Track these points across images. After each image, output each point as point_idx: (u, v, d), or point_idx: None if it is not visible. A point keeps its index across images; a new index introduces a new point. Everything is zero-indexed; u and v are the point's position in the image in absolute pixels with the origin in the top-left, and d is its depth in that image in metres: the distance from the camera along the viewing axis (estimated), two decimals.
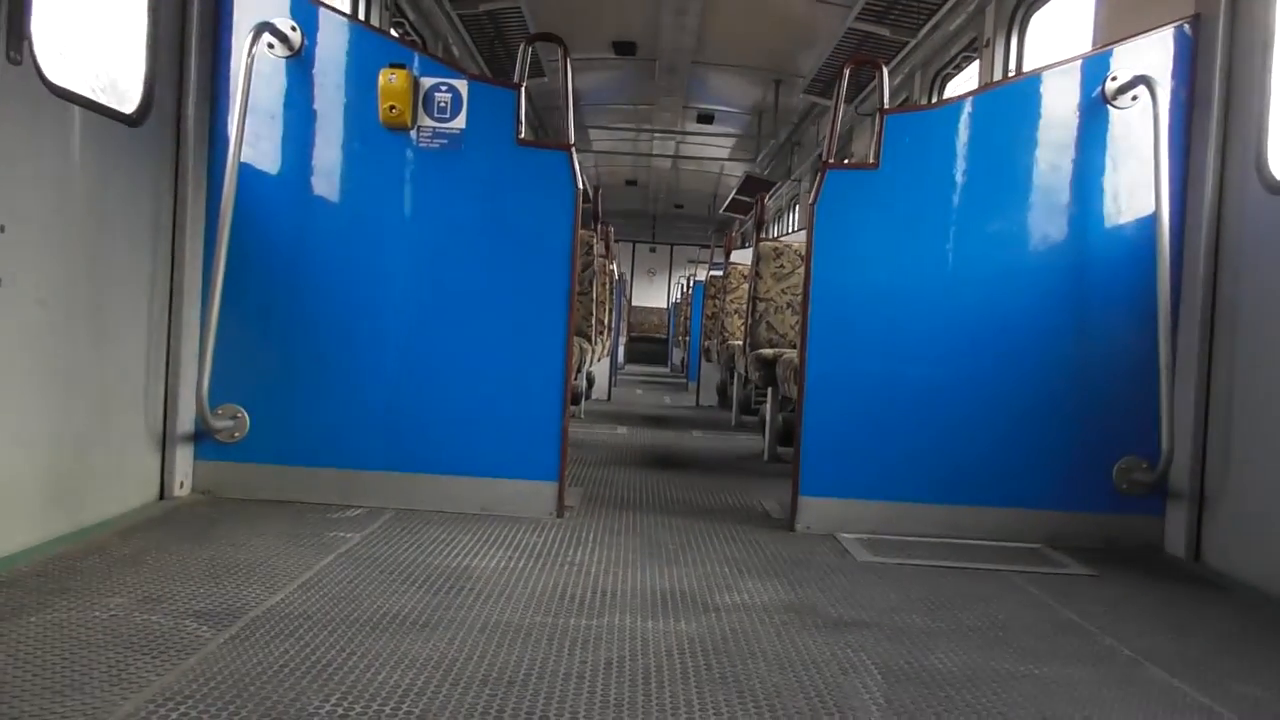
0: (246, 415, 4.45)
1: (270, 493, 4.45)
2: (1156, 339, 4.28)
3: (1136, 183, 4.50)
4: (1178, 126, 4.42)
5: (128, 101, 3.97)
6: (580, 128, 16.77)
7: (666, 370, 22.77)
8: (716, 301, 11.20)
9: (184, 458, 4.36)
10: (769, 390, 7.06)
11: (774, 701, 2.44)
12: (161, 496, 4.28)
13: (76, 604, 2.84)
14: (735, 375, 10.08)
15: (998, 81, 7.04)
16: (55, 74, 3.35)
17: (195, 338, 4.32)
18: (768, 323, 7.44)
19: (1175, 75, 4.44)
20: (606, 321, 10.17)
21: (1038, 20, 7.42)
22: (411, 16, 8.66)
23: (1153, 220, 4.36)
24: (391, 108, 4.37)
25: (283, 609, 2.93)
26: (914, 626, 3.14)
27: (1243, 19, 4.22)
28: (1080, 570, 4.05)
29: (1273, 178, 3.99)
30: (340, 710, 2.22)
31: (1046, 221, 4.55)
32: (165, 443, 4.27)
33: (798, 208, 16.97)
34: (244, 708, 2.20)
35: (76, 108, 3.53)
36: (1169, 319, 4.27)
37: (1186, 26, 4.43)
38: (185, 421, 4.33)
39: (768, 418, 7.28)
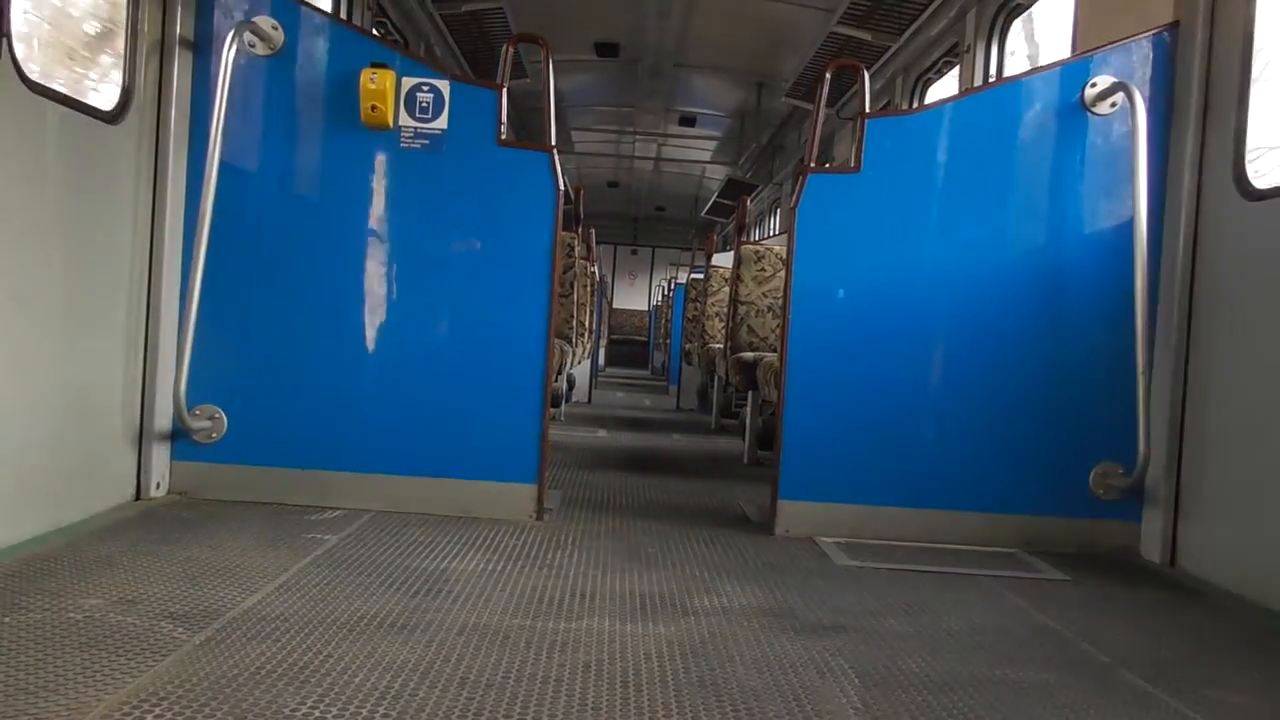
0: (224, 416, 4.43)
1: (248, 494, 4.42)
2: (1134, 344, 4.30)
3: (1115, 189, 4.52)
4: (1156, 133, 4.45)
5: (106, 98, 3.95)
6: (562, 129, 16.76)
7: (647, 373, 22.76)
8: (697, 304, 11.19)
9: (161, 458, 4.33)
10: (749, 393, 7.06)
11: (751, 705, 2.44)
12: (137, 497, 4.26)
13: (51, 604, 2.82)
14: (716, 378, 10.08)
15: (978, 87, 7.07)
16: (33, 70, 3.33)
17: (173, 337, 4.29)
18: (748, 326, 7.45)
19: (1154, 82, 4.47)
20: (587, 324, 10.16)
21: (1017, 27, 7.46)
22: (393, 16, 8.64)
23: (1130, 226, 4.38)
24: (373, 107, 4.36)
25: (259, 611, 2.92)
26: (891, 631, 3.15)
27: (1221, 27, 4.25)
28: (1056, 575, 4.07)
29: (1250, 184, 4.02)
30: (316, 713, 2.21)
31: (1026, 227, 4.57)
32: (142, 443, 4.25)
33: (779, 211, 17.00)
34: (219, 710, 2.19)
35: (54, 104, 3.51)
36: (1146, 324, 4.30)
37: (1165, 34, 4.46)
38: (162, 421, 4.31)
39: (748, 421, 7.29)
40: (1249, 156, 4.08)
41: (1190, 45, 4.35)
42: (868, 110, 4.66)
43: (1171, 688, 2.76)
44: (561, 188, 4.50)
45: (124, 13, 4.03)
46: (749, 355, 7.02)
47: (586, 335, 10.18)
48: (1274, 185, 3.90)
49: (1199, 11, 4.30)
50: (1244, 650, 3.22)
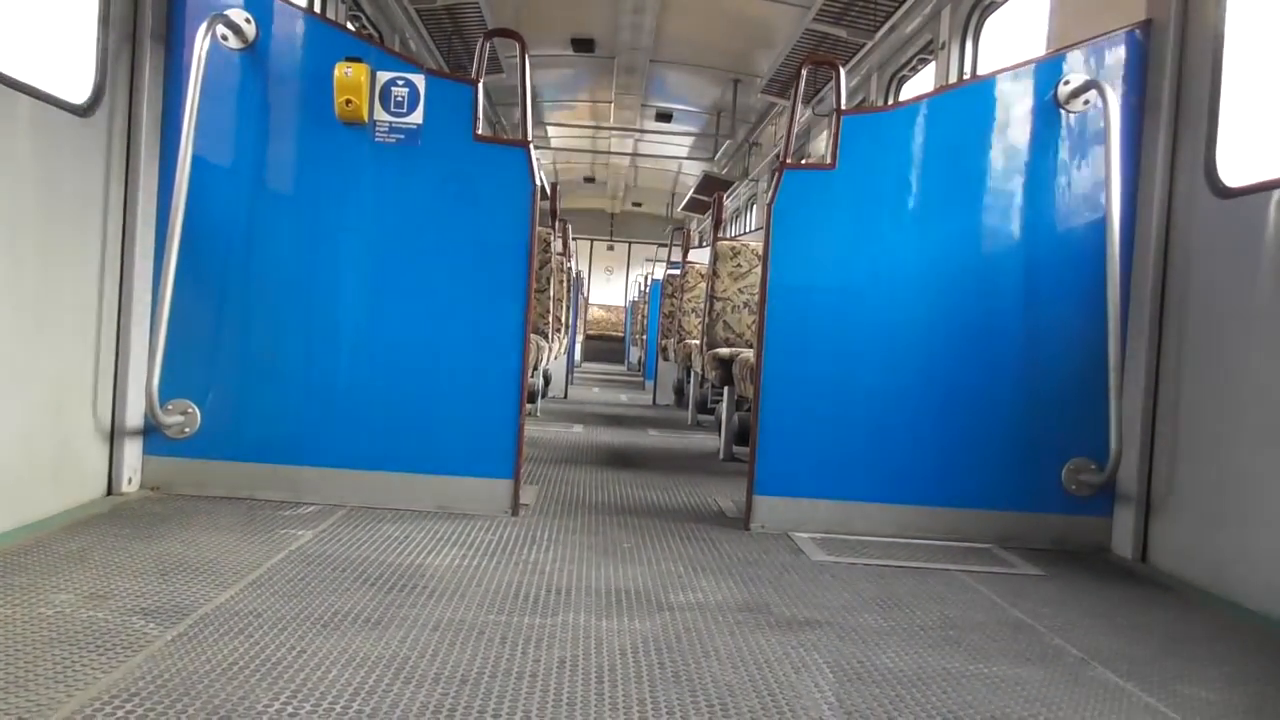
0: (197, 411, 4.40)
1: (221, 489, 4.40)
2: (1106, 341, 4.34)
3: (1088, 186, 4.55)
4: (1129, 130, 4.48)
5: (78, 91, 3.91)
6: (538, 124, 16.73)
7: (623, 369, 22.77)
8: (674, 300, 11.21)
9: (133, 453, 4.30)
10: (725, 389, 7.07)
11: (726, 700, 2.44)
12: (109, 492, 4.23)
13: (21, 600, 2.80)
14: (692, 374, 10.10)
15: (953, 84, 7.10)
16: (3, 62, 3.29)
17: (145, 332, 4.26)
18: (725, 322, 7.46)
19: (1127, 80, 4.50)
20: (563, 319, 10.16)
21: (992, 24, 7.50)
22: (368, 10, 8.60)
23: (1103, 223, 4.41)
24: (347, 101, 4.34)
25: (232, 607, 2.90)
26: (866, 626, 3.16)
27: (1193, 25, 4.27)
28: (1030, 570, 4.09)
29: (1221, 183, 4.05)
30: (289, 709, 2.20)
31: (999, 223, 4.59)
32: (114, 438, 4.22)
33: (755, 207, 17.02)
34: (191, 706, 2.17)
35: (25, 96, 3.47)
36: (1118, 321, 4.33)
37: (1138, 32, 4.48)
38: (134, 416, 4.27)
39: (724, 417, 7.30)
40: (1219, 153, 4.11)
41: (1163, 43, 4.38)
42: (843, 107, 4.67)
43: (1143, 682, 2.79)
44: (538, 183, 4.49)
45: (95, 3, 4.00)
46: (725, 351, 7.03)
47: (563, 331, 10.19)
48: (1245, 183, 3.93)
49: (1171, 10, 4.32)
50: (1215, 645, 3.24)
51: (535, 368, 7.93)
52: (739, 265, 7.53)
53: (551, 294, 8.43)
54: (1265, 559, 3.64)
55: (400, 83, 4.44)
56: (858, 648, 2.93)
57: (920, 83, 9.09)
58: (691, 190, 19.52)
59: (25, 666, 2.32)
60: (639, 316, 18.50)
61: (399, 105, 4.44)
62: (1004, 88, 4.59)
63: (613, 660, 2.68)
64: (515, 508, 4.49)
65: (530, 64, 4.91)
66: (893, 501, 4.58)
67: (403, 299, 4.49)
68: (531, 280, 4.48)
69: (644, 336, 16.36)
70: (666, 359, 12.28)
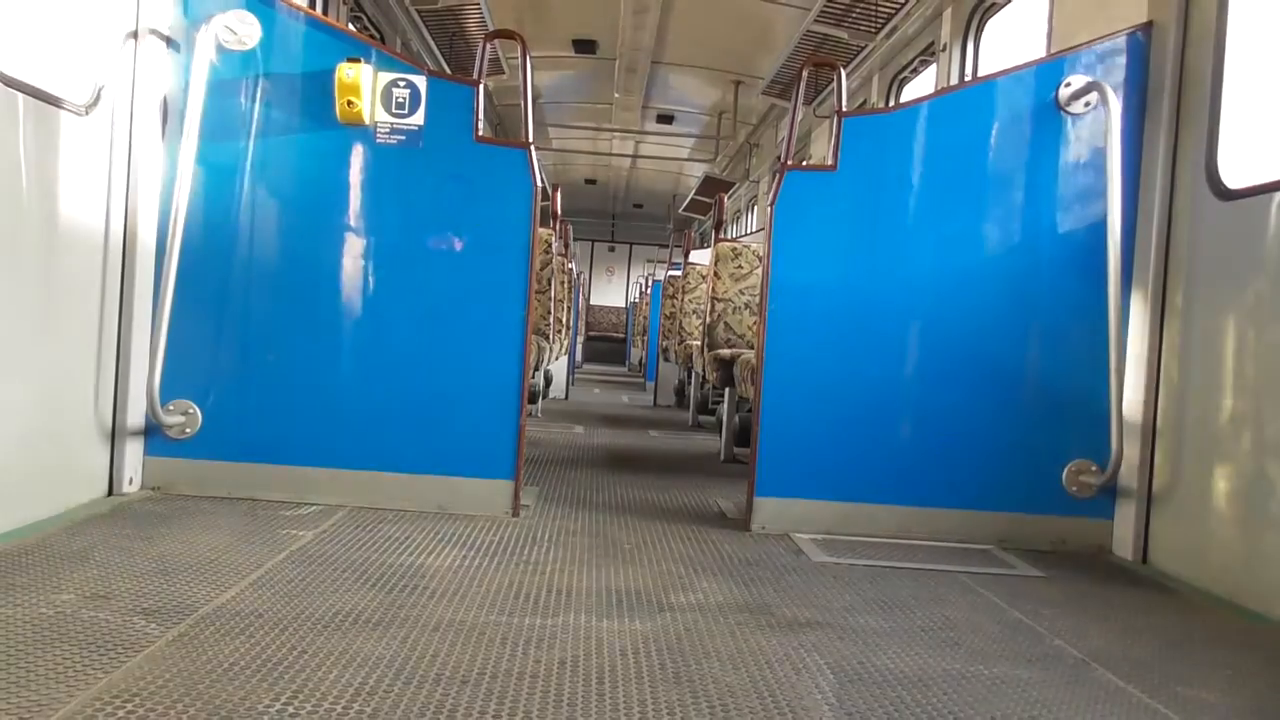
0: (199, 411, 4.40)
1: (222, 489, 4.40)
2: (1107, 342, 4.33)
3: (1089, 188, 4.55)
4: (1130, 132, 4.48)
5: (80, 91, 3.91)
6: (539, 126, 16.73)
7: (624, 370, 22.77)
8: (675, 301, 11.21)
9: (134, 454, 4.30)
10: (726, 390, 7.07)
11: (726, 701, 2.44)
12: (110, 493, 4.22)
13: (22, 600, 2.79)
14: (693, 375, 10.10)
15: (953, 86, 7.09)
16: (4, 62, 3.29)
17: (146, 332, 4.26)
18: (726, 323, 7.46)
19: (1128, 81, 4.50)
20: (564, 320, 10.17)
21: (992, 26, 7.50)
22: (369, 11, 8.61)
23: (1104, 225, 4.41)
24: (349, 103, 4.34)
25: (232, 607, 2.90)
26: (866, 627, 3.16)
27: (1194, 27, 4.27)
28: (1030, 572, 4.09)
29: (1222, 184, 4.05)
30: (290, 709, 2.20)
31: (1000, 225, 4.59)
32: (115, 438, 4.22)
33: (756, 208, 17.02)
34: (191, 706, 2.17)
35: (26, 96, 3.47)
36: (1119, 322, 4.33)
37: (1139, 34, 4.48)
38: (135, 417, 4.27)
39: (724, 418, 7.30)
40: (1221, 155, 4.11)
41: (1164, 45, 4.38)
42: (844, 108, 4.66)
43: (1144, 684, 2.78)
44: (539, 184, 4.49)
45: (97, 3, 4.00)
46: (726, 352, 7.03)
47: (564, 332, 10.19)
48: (1246, 185, 3.93)
49: (1172, 12, 4.33)
50: (1215, 647, 3.24)
51: (536, 368, 7.93)
52: (740, 266, 7.53)
53: (552, 295, 8.43)
54: (1267, 560, 3.64)
55: (401, 84, 4.44)
56: (858, 649, 2.93)
57: (921, 85, 9.10)
58: (693, 191, 19.52)
59: (26, 666, 2.32)
60: (640, 317, 18.50)
61: (400, 106, 4.44)
62: (1005, 90, 4.59)
63: (613, 661, 2.68)
64: (516, 508, 4.49)
65: (531, 65, 4.91)
66: (893, 502, 4.58)
67: (403, 299, 4.49)
68: (532, 281, 4.48)
69: (645, 338, 16.36)
70: (667, 360, 12.28)
